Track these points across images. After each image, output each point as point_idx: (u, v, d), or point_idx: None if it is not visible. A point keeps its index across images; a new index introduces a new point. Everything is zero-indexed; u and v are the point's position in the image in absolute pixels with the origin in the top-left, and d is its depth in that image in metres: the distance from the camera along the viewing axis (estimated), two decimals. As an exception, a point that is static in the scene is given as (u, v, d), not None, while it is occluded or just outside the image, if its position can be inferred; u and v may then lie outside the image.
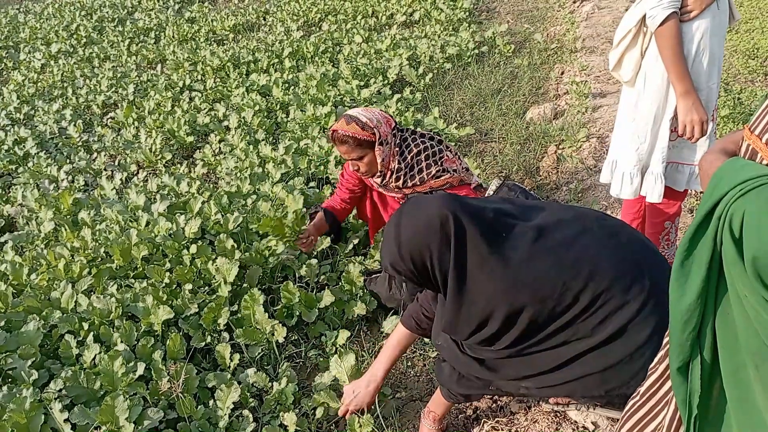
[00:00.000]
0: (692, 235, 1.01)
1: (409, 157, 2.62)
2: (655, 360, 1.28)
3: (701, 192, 3.24)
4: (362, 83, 5.21)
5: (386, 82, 5.31)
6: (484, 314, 1.60)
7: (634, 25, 2.24)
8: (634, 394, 1.36)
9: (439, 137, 2.76)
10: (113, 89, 6.04)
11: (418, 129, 2.79)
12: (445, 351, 1.84)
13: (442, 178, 2.64)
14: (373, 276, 2.76)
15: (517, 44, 6.22)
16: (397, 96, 4.75)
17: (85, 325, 2.47)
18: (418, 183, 2.65)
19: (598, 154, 3.88)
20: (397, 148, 2.62)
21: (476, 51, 5.97)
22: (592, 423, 2.06)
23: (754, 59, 4.92)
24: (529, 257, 1.57)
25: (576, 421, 2.08)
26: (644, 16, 2.17)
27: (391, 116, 2.70)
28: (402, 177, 2.63)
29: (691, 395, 1.06)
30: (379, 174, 2.64)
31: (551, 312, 1.57)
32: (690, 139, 2.22)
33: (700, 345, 1.05)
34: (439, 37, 6.47)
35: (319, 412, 2.20)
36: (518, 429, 2.10)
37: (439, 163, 2.63)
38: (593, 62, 5.43)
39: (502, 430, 2.10)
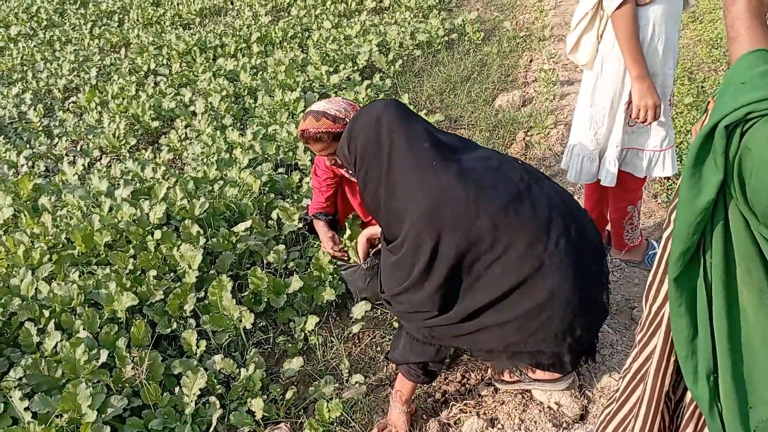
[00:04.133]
0: (704, 139, 0.99)
1: None
2: (628, 360, 1.29)
3: (664, 177, 3.32)
4: (331, 69, 5.16)
5: (356, 68, 5.26)
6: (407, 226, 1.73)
7: (591, 8, 2.25)
8: (609, 401, 1.37)
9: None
10: (75, 73, 5.87)
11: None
12: (396, 304, 1.89)
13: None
14: (348, 267, 2.72)
15: (486, 32, 6.23)
16: (366, 82, 4.71)
17: (46, 313, 2.42)
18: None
19: (566, 140, 3.93)
20: None
21: (446, 38, 5.96)
22: (556, 403, 2.10)
23: (717, 48, 5.01)
24: (450, 188, 1.69)
25: (541, 402, 2.11)
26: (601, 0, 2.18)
27: (355, 102, 2.67)
28: (350, 168, 2.61)
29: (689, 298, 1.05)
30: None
31: (464, 249, 1.68)
32: (643, 123, 2.25)
33: (703, 249, 1.04)
34: (409, 23, 6.44)
35: (289, 395, 2.19)
36: (486, 411, 2.12)
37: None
38: (561, 50, 5.47)
39: (471, 412, 2.12)
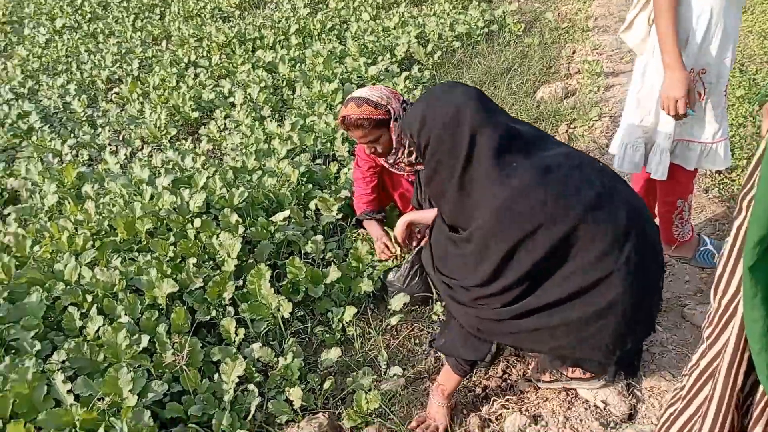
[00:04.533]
0: None
1: None
2: (695, 357, 1.22)
3: (715, 171, 3.19)
4: (369, 61, 5.12)
5: (394, 59, 5.22)
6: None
7: None
8: (673, 399, 1.30)
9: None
10: (118, 65, 5.97)
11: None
12: (446, 290, 1.84)
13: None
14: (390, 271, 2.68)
15: (527, 23, 6.11)
16: (405, 74, 4.66)
17: (89, 298, 2.44)
18: (430, 158, 2.58)
19: (611, 132, 3.81)
20: None
21: (486, 29, 5.87)
22: (602, 402, 2.03)
23: (770, 40, 4.81)
24: (529, 189, 1.61)
25: (587, 400, 2.04)
26: None
27: (396, 90, 2.63)
28: (415, 152, 2.56)
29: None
30: (392, 152, 2.57)
31: (537, 255, 1.60)
32: (672, 115, 2.14)
33: None
34: (448, 15, 6.36)
35: (327, 385, 2.17)
36: (528, 407, 2.06)
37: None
38: (605, 41, 5.33)
39: (512, 408, 2.06)
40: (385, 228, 2.83)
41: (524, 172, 1.63)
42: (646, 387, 2.06)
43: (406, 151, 2.56)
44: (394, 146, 2.53)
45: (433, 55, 5.26)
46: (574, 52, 5.35)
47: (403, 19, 6.23)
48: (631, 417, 1.99)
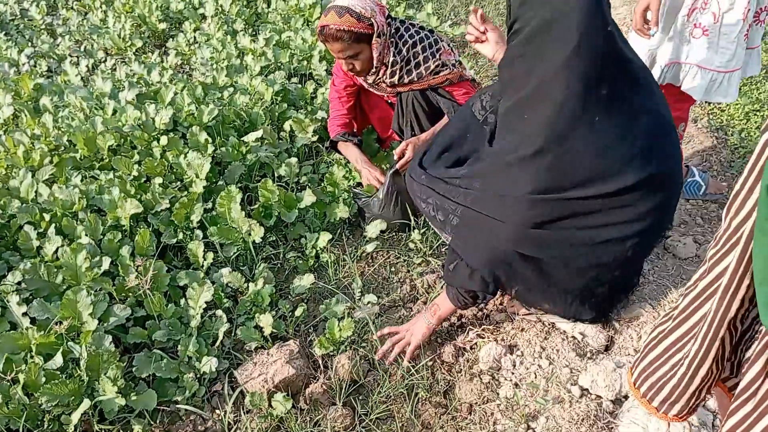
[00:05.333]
0: None
1: (404, 50, 2.38)
2: (694, 278, 1.15)
3: (706, 102, 3.08)
4: (351, -26, 4.82)
5: (377, -26, 4.92)
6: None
7: None
8: (664, 319, 1.24)
9: (430, 28, 2.51)
10: (79, -31, 5.54)
11: (407, 20, 2.52)
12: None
13: (442, 74, 2.42)
14: (364, 197, 2.56)
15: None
16: (388, -11, 4.40)
17: (47, 216, 2.30)
18: (416, 79, 2.43)
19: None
20: (392, 39, 2.37)
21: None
22: (580, 333, 2.00)
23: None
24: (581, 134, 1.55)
25: (564, 331, 2.00)
26: None
27: (383, 4, 2.43)
28: (398, 72, 2.40)
29: None
30: (372, 71, 2.40)
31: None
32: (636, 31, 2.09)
33: None
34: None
35: (298, 312, 2.10)
36: (504, 337, 2.02)
37: (437, 56, 2.40)
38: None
39: (488, 338, 2.02)
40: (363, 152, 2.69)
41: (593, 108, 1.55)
42: (625, 318, 2.03)
43: (388, 71, 2.40)
44: (375, 65, 2.36)
45: (418, -29, 4.96)
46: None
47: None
48: (607, 348, 1.96)
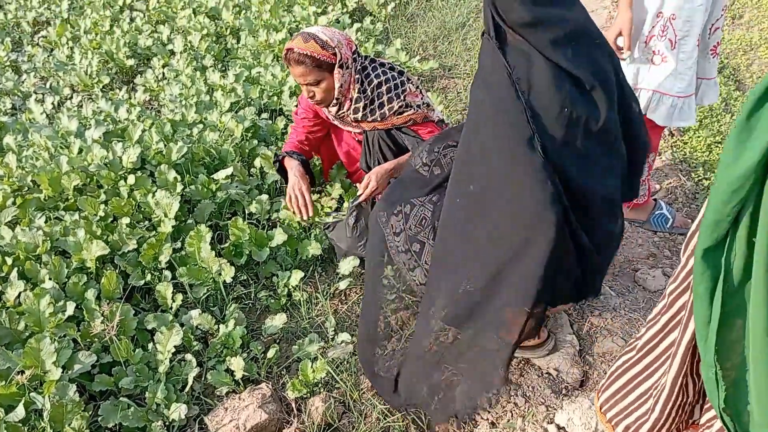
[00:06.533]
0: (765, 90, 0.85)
1: (369, 89, 2.40)
2: (655, 311, 1.16)
3: (668, 133, 3.16)
4: (320, 10, 4.87)
5: (345, 10, 4.98)
6: None
7: None
8: (628, 348, 1.25)
9: (400, 68, 2.54)
10: (45, 5, 5.49)
11: (377, 59, 2.54)
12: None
13: (405, 114, 2.44)
14: (333, 224, 2.55)
15: (483, -23, 5.94)
16: (357, 25, 4.45)
17: (9, 260, 2.23)
18: (379, 119, 2.44)
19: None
20: (357, 75, 2.39)
21: (441, -18, 5.66)
22: (555, 369, 2.00)
23: None
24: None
25: (540, 367, 2.00)
26: None
27: (352, 39, 2.46)
28: (361, 110, 2.41)
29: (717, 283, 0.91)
30: (335, 103, 2.41)
31: None
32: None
33: (737, 223, 0.90)
34: (401, -35, 6.11)
35: (271, 354, 2.06)
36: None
37: (402, 98, 2.43)
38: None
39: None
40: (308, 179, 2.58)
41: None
42: (598, 353, 2.04)
43: (352, 106, 2.41)
44: (336, 97, 2.37)
45: (386, 7, 5.04)
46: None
47: (355, -33, 5.94)
48: (582, 384, 1.96)
